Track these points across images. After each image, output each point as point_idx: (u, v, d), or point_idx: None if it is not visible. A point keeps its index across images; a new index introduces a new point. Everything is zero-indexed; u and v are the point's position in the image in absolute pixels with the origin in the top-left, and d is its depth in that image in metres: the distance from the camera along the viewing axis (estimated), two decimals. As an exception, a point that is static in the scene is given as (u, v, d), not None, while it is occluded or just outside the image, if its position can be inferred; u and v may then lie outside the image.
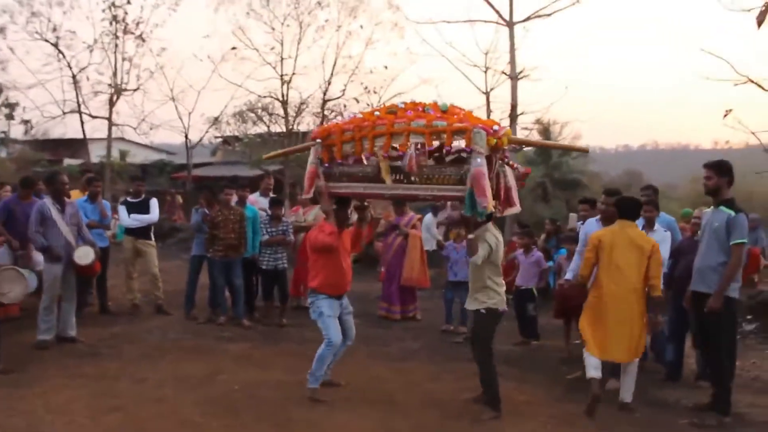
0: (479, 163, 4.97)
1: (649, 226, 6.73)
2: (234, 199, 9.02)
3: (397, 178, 5.44)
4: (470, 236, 5.53)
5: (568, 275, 7.16)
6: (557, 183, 29.92)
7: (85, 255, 7.39)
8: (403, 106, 5.69)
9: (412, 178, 5.37)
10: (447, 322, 9.20)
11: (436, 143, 5.35)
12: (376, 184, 5.56)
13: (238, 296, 8.84)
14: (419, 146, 5.33)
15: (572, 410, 5.81)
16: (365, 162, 5.77)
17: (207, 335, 8.15)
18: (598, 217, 7.03)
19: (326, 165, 5.69)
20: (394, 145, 5.39)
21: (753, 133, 9.92)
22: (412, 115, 5.37)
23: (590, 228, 6.91)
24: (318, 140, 5.67)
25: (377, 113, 5.64)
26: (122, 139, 25.95)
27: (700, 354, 6.51)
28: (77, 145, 32.58)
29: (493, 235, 5.62)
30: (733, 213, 5.65)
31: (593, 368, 5.74)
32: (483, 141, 5.04)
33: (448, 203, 12.75)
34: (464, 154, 5.26)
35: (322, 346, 5.84)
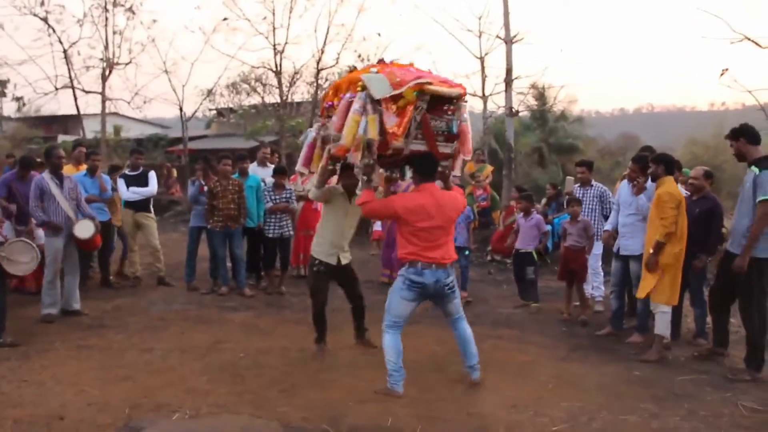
0: None
1: None
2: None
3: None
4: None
5: (607, 226, 7.42)
6: (553, 148, 29.97)
7: (84, 228, 7.39)
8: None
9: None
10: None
11: None
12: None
13: (240, 266, 8.90)
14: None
15: (575, 370, 5.91)
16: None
17: (210, 305, 8.22)
18: (627, 180, 7.20)
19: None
20: None
21: (750, 92, 9.85)
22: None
23: (624, 190, 7.16)
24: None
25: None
26: (116, 114, 25.70)
27: (714, 316, 6.51)
28: (70, 121, 32.45)
29: None
30: (758, 171, 5.68)
31: (667, 326, 6.33)
32: None
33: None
34: None
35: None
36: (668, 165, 6.33)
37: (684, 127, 41.62)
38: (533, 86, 24.62)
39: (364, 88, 5.05)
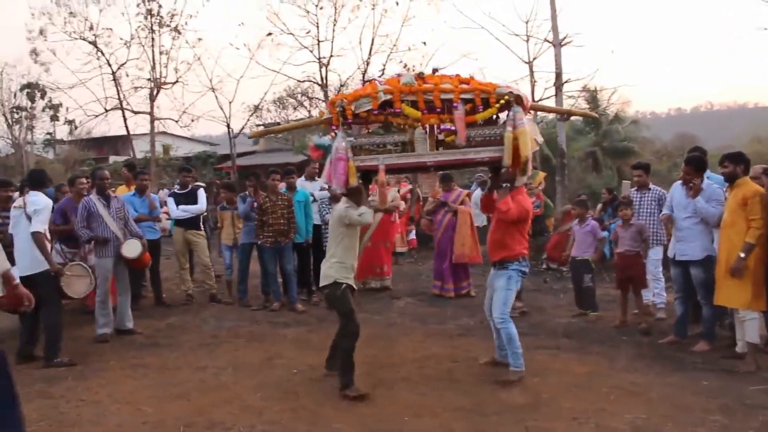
0: None
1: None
2: (282, 185, 9.03)
3: None
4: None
5: (665, 210, 7.06)
6: (607, 151, 29.18)
7: (132, 248, 7.44)
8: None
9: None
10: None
11: None
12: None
13: (290, 281, 8.87)
14: None
15: (637, 380, 5.66)
16: None
17: (262, 321, 8.21)
18: (681, 182, 6.89)
19: None
20: None
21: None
22: None
23: (678, 192, 6.87)
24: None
25: None
26: (164, 133, 26.16)
27: None
28: (121, 142, 33.20)
29: None
30: None
31: (758, 334, 6.02)
32: None
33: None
34: None
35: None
36: (748, 164, 6.12)
37: (746, 125, 40.06)
38: (584, 89, 24.12)
39: (510, 101, 5.45)
